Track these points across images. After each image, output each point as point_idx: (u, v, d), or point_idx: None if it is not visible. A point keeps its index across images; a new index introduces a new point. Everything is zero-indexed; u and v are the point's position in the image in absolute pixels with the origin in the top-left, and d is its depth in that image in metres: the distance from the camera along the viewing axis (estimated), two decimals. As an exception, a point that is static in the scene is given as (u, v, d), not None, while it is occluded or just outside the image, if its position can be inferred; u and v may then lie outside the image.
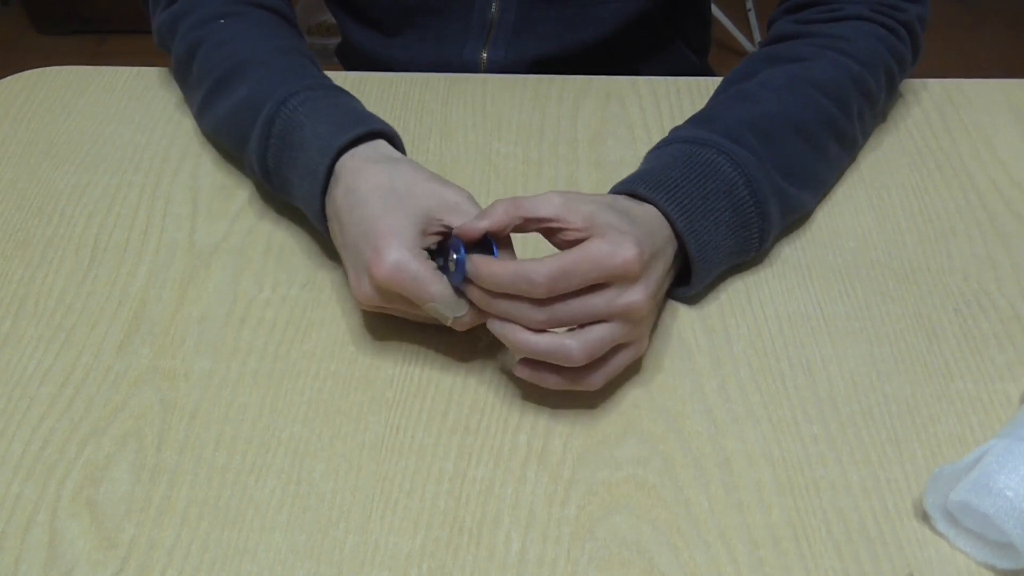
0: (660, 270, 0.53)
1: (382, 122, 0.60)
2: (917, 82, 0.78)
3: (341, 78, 0.79)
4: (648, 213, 0.54)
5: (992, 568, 0.46)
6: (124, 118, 0.75)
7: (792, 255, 0.62)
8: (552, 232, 0.52)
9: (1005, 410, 0.53)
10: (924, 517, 0.48)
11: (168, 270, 0.62)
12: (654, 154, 0.61)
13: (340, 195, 0.55)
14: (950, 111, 0.75)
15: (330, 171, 0.56)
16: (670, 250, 0.54)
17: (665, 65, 0.87)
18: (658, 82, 0.78)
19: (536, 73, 0.79)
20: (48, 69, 0.81)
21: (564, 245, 0.52)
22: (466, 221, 0.51)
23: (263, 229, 0.65)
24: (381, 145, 0.58)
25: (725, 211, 0.56)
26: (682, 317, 0.58)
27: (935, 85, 0.77)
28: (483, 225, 0.50)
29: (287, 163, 0.59)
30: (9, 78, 0.80)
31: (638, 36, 0.84)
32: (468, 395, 0.54)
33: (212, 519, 0.48)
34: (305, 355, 0.56)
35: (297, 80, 0.62)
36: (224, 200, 0.67)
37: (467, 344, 0.57)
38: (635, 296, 0.49)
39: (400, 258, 0.50)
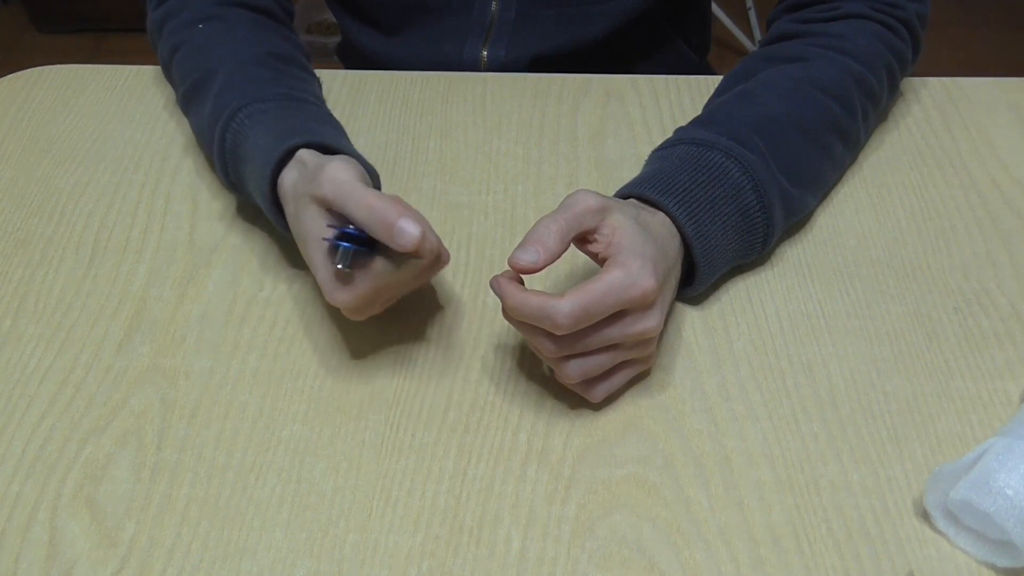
0: (671, 287, 0.53)
1: (316, 132, 0.57)
2: (917, 80, 0.78)
3: (341, 77, 0.79)
4: (661, 224, 0.54)
5: (992, 566, 0.46)
6: (124, 116, 0.75)
7: (792, 254, 0.62)
8: (584, 239, 0.52)
9: (1005, 409, 0.53)
10: (924, 515, 0.48)
11: (168, 268, 0.62)
12: (660, 155, 0.61)
13: (290, 222, 0.55)
14: (950, 109, 0.75)
15: (273, 188, 0.56)
16: (680, 262, 0.55)
17: (665, 64, 0.87)
18: (658, 80, 0.78)
19: (536, 71, 0.79)
20: (48, 68, 0.81)
21: (591, 254, 0.52)
22: (516, 253, 0.48)
23: (263, 227, 0.65)
24: (307, 154, 0.56)
25: (732, 215, 0.56)
26: (683, 316, 0.58)
27: (935, 83, 0.77)
28: (543, 261, 0.48)
29: (243, 176, 0.60)
30: (9, 76, 0.80)
31: (638, 35, 0.84)
32: (468, 394, 0.54)
33: (212, 518, 0.48)
34: (305, 353, 0.56)
35: (253, 92, 0.61)
36: (224, 198, 0.67)
37: (468, 343, 0.57)
38: (649, 323, 0.50)
39: (341, 290, 0.50)
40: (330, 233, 0.50)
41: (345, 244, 0.49)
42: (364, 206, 0.48)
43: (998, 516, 0.44)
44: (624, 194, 0.57)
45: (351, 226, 0.49)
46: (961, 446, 0.51)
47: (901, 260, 0.62)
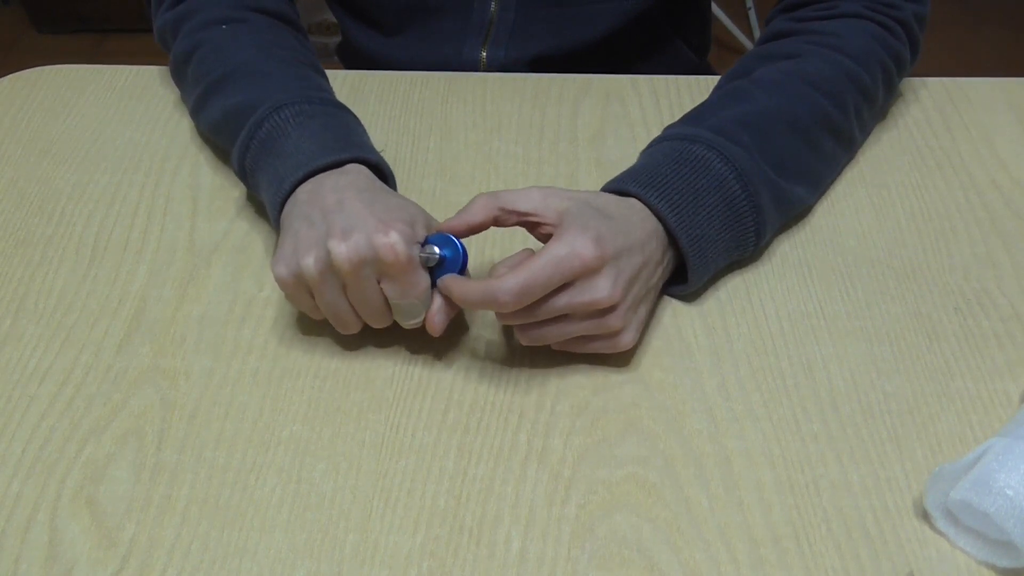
0: (634, 264, 0.53)
1: (373, 151, 0.60)
2: (917, 80, 0.78)
3: (341, 77, 0.79)
4: (630, 208, 0.54)
5: (992, 567, 0.46)
6: (124, 117, 0.75)
7: (792, 253, 0.62)
8: (533, 226, 0.54)
9: (1005, 409, 0.53)
10: (924, 516, 0.48)
11: (168, 269, 0.62)
12: (646, 152, 0.61)
13: (341, 180, 0.55)
14: (950, 110, 0.75)
15: (298, 183, 0.56)
16: (652, 245, 0.54)
17: (665, 64, 0.87)
18: (658, 81, 0.78)
19: (536, 72, 0.79)
20: (48, 68, 0.81)
21: (544, 239, 0.54)
22: (449, 219, 0.53)
23: (263, 228, 0.65)
24: (366, 172, 0.58)
25: (718, 206, 0.56)
26: (682, 315, 0.58)
27: (935, 84, 0.77)
28: (465, 219, 0.53)
29: (262, 167, 0.60)
30: (9, 77, 0.80)
31: (638, 35, 0.84)
32: (468, 394, 0.54)
33: (212, 518, 0.48)
34: (305, 354, 0.56)
35: (297, 90, 0.62)
36: (224, 199, 0.67)
37: (467, 343, 0.57)
38: (597, 293, 0.50)
39: (406, 245, 0.51)
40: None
41: (459, 247, 0.52)
42: (463, 283, 0.52)
43: (998, 516, 0.44)
44: (608, 190, 0.57)
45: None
46: (961, 446, 0.51)
47: (901, 260, 0.62)
